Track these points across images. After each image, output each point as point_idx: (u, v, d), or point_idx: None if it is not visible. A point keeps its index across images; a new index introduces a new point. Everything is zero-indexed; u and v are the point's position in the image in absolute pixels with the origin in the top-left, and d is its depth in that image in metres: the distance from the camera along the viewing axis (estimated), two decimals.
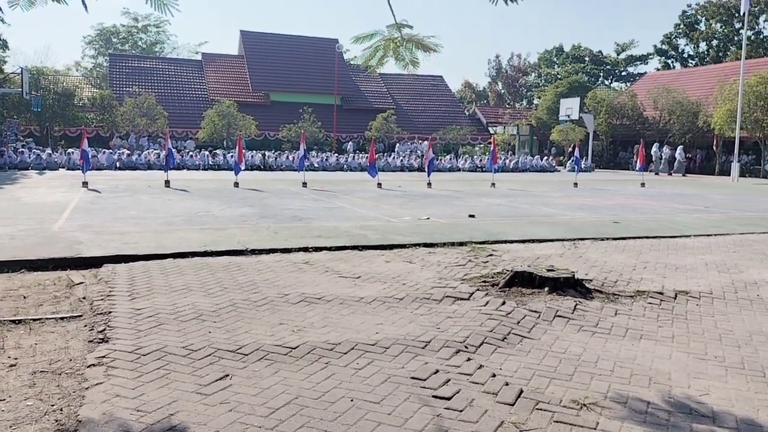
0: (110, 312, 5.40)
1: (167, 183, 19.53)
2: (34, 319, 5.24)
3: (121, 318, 5.22)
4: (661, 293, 6.47)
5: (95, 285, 6.50)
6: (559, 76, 62.78)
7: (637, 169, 27.33)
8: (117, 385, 3.85)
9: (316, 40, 53.57)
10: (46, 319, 5.29)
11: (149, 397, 3.69)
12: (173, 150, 23.44)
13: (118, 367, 4.14)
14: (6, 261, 7.34)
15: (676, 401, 3.80)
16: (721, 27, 60.91)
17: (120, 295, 5.95)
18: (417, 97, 54.15)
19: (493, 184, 22.48)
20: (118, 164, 30.93)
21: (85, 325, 5.12)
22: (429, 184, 21.75)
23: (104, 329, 4.93)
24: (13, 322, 5.18)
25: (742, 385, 4.09)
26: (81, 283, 6.60)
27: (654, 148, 38.19)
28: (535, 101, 66.54)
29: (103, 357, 4.31)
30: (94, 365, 4.18)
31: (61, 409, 3.55)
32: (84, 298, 6.01)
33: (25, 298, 5.99)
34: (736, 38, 58.48)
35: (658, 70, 62.57)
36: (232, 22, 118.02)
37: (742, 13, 34.04)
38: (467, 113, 56.66)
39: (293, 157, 33.91)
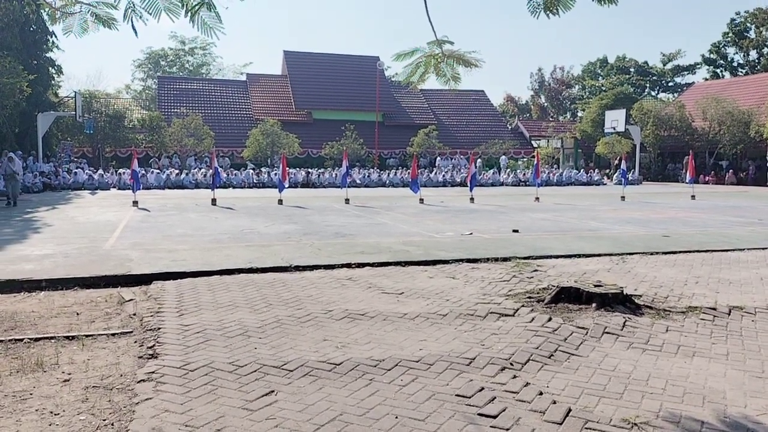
0: (159, 328, 5.52)
1: (214, 201, 19.92)
2: (87, 335, 5.40)
3: (169, 334, 5.33)
4: (714, 309, 6.26)
5: (145, 302, 6.66)
6: (603, 88, 61.88)
7: (687, 181, 26.63)
8: (166, 401, 3.92)
9: (358, 58, 54.15)
10: (98, 335, 5.43)
11: (197, 412, 3.75)
12: (219, 169, 23.93)
13: (167, 383, 4.21)
14: (60, 279, 7.59)
15: (732, 421, 3.66)
16: None
17: (168, 312, 6.08)
18: (458, 112, 54.08)
19: (537, 199, 22.21)
20: (166, 183, 31.75)
21: (135, 341, 5.24)
22: (472, 199, 21.63)
23: (153, 345, 5.04)
24: (67, 338, 5.34)
25: None
26: (131, 299, 6.77)
27: None
28: (579, 114, 65.66)
29: (153, 372, 4.40)
30: (143, 381, 4.27)
31: (113, 424, 3.63)
32: (134, 314, 6.16)
33: (78, 314, 6.18)
34: None
35: (706, 80, 61.06)
36: (276, 42, 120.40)
37: None
38: (509, 127, 56.28)
39: (336, 174, 34.24)
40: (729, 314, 6.10)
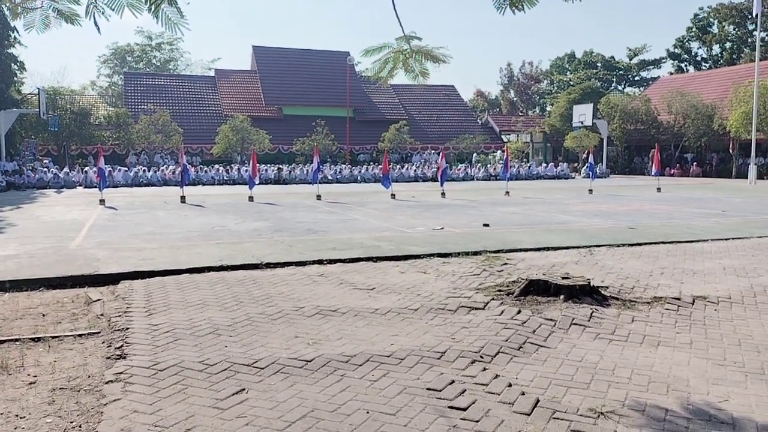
0: (127, 328, 5.45)
1: (183, 199, 19.70)
2: (53, 337, 5.31)
3: (138, 334, 5.27)
4: (678, 299, 6.40)
5: (113, 302, 6.57)
6: (571, 83, 62.61)
7: (653, 173, 27.13)
8: (135, 401, 3.88)
9: (328, 54, 53.93)
10: (65, 336, 5.34)
11: (167, 412, 3.72)
12: (188, 166, 23.65)
13: (136, 383, 4.17)
14: (25, 279, 7.44)
15: (695, 408, 3.76)
16: (734, 29, 60.51)
17: (137, 311, 6.01)
18: (429, 107, 54.26)
19: (507, 193, 22.42)
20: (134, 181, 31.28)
21: (103, 342, 5.17)
22: (443, 193, 21.74)
23: (122, 345, 4.98)
24: (33, 339, 5.24)
25: (763, 391, 4.03)
26: (99, 300, 6.67)
27: None
28: (548, 108, 66.39)
29: (121, 373, 4.35)
30: (111, 381, 4.21)
31: (80, 426, 3.59)
32: (102, 314, 6.07)
33: (44, 315, 6.07)
34: (749, 40, 58.03)
35: (671, 74, 62.20)
36: (245, 38, 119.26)
37: (754, 15, 33.78)
38: (480, 122, 56.65)
39: (307, 170, 34.11)
40: (693, 304, 6.24)
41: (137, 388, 4.08)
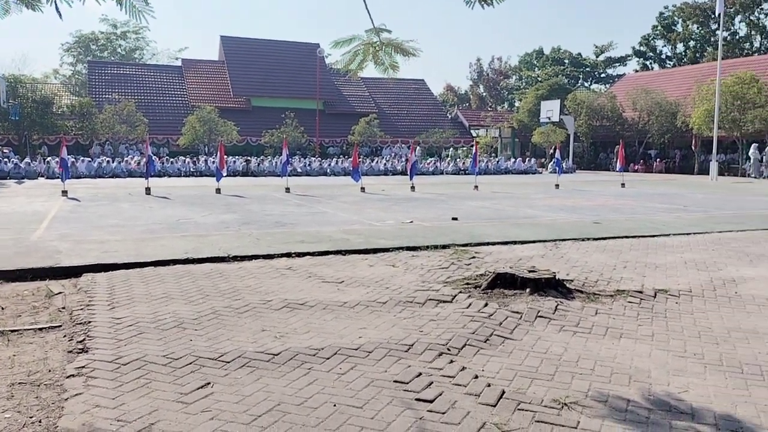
0: (90, 322, 5.35)
1: (148, 190, 19.38)
2: (13, 331, 5.18)
3: (100, 328, 5.17)
4: (640, 292, 6.53)
5: (75, 295, 6.43)
6: (539, 79, 63.27)
7: (617, 169, 27.59)
8: (97, 396, 3.81)
9: (298, 45, 53.52)
10: (25, 330, 5.22)
11: (129, 406, 3.66)
12: (153, 157, 23.27)
13: (98, 377, 4.09)
14: None
15: (656, 399, 3.84)
16: (697, 28, 61.80)
17: (100, 305, 5.90)
18: (399, 100, 54.28)
19: (476, 187, 22.57)
20: (98, 172, 30.66)
21: (65, 336, 5.06)
22: (412, 187, 21.80)
23: (84, 339, 4.88)
24: None
25: (721, 382, 4.14)
26: (60, 293, 6.53)
27: (751, 149, 34.20)
28: (517, 104, 66.98)
29: (83, 367, 4.27)
30: (73, 376, 4.13)
31: (40, 421, 3.51)
32: (63, 308, 5.95)
33: (2, 309, 5.91)
34: (712, 39, 59.35)
35: (636, 71, 63.29)
36: (213, 28, 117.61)
37: (717, 14, 34.50)
38: (449, 116, 56.89)
39: (276, 163, 33.85)
40: (654, 297, 6.37)
41: (99, 383, 4.01)
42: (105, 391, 3.88)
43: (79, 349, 4.67)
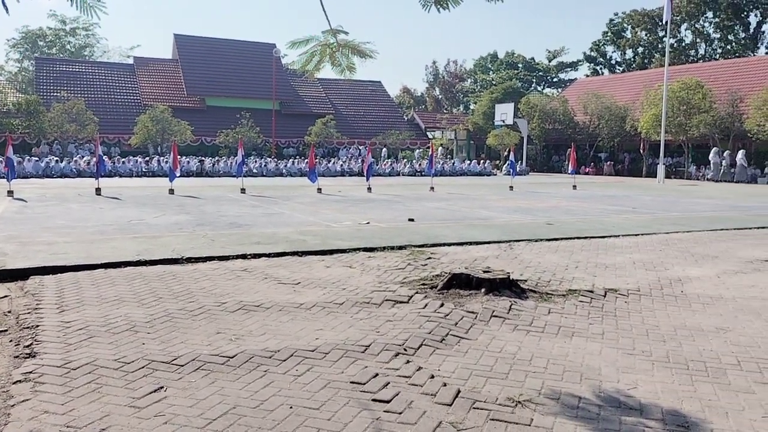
0: (37, 326, 5.19)
1: (98, 191, 18.90)
2: None
3: (49, 332, 5.02)
4: (591, 291, 6.69)
5: (21, 298, 6.23)
6: (494, 82, 64.21)
7: (569, 172, 28.20)
8: (45, 401, 3.70)
9: (253, 45, 52.99)
10: None
11: (79, 412, 3.57)
12: (104, 157, 22.70)
13: (46, 383, 3.98)
14: None
15: (606, 395, 3.95)
16: (646, 35, 63.67)
17: (48, 308, 5.73)
18: (356, 102, 54.29)
19: (432, 188, 22.74)
20: (45, 172, 29.74)
21: (11, 340, 4.90)
22: (369, 188, 21.83)
23: (31, 344, 4.74)
24: None
25: (668, 378, 4.28)
26: (6, 296, 6.31)
27: (712, 154, 35.17)
28: (472, 106, 67.80)
29: (30, 373, 4.14)
30: (20, 381, 4.00)
31: None
32: (9, 311, 5.75)
33: None
34: (659, 46, 61.24)
35: (587, 76, 64.81)
36: (166, 27, 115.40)
37: (664, 22, 35.64)
38: (406, 118, 57.18)
39: (231, 163, 33.43)
40: (605, 296, 6.54)
41: (48, 388, 3.90)
42: (54, 396, 3.77)
43: (27, 354, 4.53)
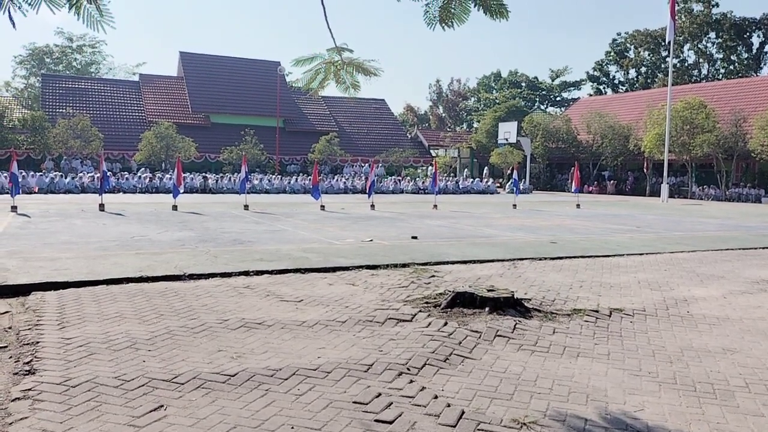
0: (38, 342, 5.15)
1: (102, 207, 18.91)
2: None
3: (49, 348, 4.98)
4: (596, 311, 6.63)
5: (22, 314, 6.20)
6: (497, 101, 64.43)
7: (572, 190, 28.15)
8: (44, 420, 3.65)
9: (258, 62, 53.33)
10: None
11: (78, 431, 3.52)
12: (108, 173, 22.76)
13: (45, 400, 3.93)
14: None
15: (613, 417, 3.88)
16: (648, 55, 63.96)
17: (49, 324, 5.69)
18: (360, 120, 54.46)
19: (435, 206, 22.72)
20: (50, 188, 29.83)
21: (10, 357, 4.86)
22: (372, 206, 21.81)
23: (31, 360, 4.70)
24: None
25: (675, 400, 4.21)
26: (7, 312, 6.28)
27: None
28: (475, 125, 68.01)
29: (29, 390, 4.09)
30: (19, 399, 3.96)
31: None
32: (10, 327, 5.72)
33: None
34: (662, 65, 61.46)
35: (590, 95, 64.97)
36: (172, 44, 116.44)
37: (667, 42, 35.81)
38: (409, 136, 57.32)
39: (235, 180, 33.49)
40: (610, 316, 6.48)
41: (47, 406, 3.85)
42: (52, 414, 3.73)
43: (26, 370, 4.49)
